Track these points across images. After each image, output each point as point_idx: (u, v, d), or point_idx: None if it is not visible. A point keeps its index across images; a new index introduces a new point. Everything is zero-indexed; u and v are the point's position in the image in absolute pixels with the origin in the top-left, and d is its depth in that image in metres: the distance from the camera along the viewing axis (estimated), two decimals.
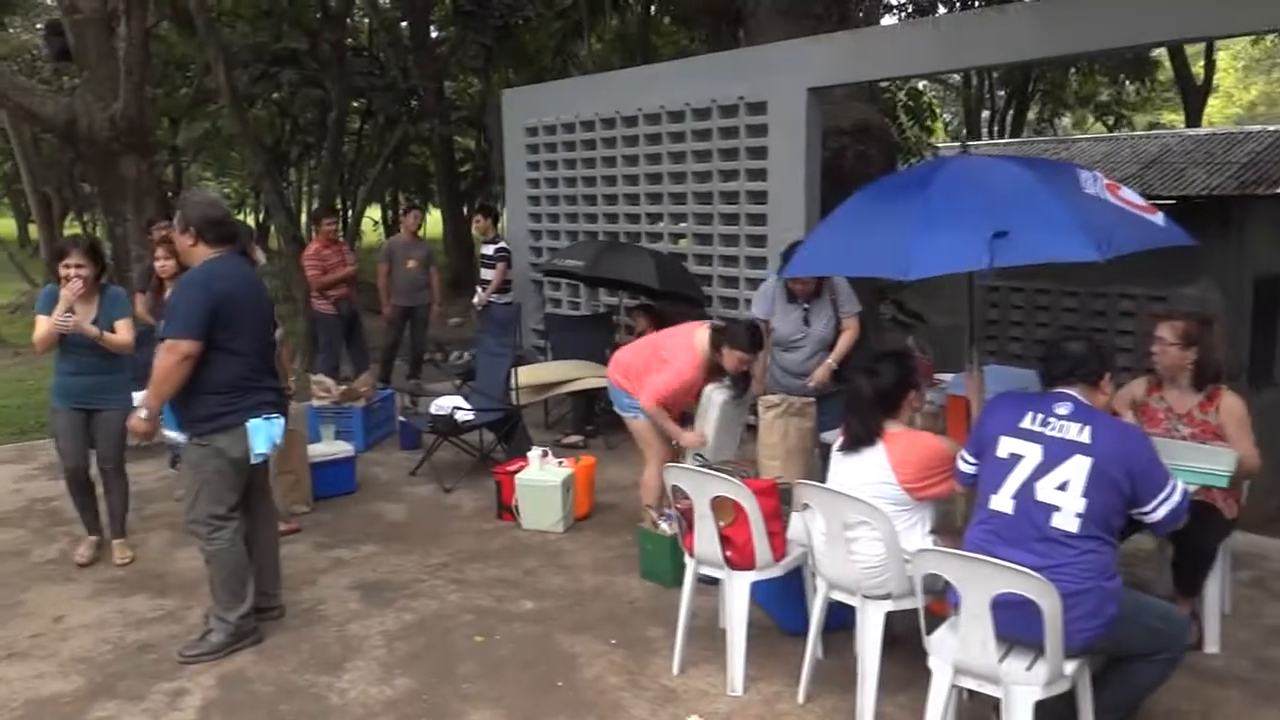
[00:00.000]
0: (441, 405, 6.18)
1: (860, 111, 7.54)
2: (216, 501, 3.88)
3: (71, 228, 20.02)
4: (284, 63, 12.78)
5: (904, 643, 3.44)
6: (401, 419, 6.99)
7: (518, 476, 5.31)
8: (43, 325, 4.63)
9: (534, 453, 5.43)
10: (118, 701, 3.62)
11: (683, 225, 7.21)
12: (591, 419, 7.03)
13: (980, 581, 2.63)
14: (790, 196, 6.29)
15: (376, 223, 23.52)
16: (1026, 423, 2.85)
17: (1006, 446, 2.85)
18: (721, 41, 11.01)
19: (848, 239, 3.31)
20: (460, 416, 6.08)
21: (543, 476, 5.28)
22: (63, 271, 4.67)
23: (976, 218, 2.91)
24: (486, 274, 8.24)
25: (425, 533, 5.33)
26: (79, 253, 4.68)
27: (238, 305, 3.81)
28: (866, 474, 3.23)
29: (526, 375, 6.62)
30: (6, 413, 8.69)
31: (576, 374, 6.86)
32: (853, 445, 3.30)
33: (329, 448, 5.96)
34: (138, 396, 4.40)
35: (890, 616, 3.20)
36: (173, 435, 3.90)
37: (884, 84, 10.76)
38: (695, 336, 4.60)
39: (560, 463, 5.43)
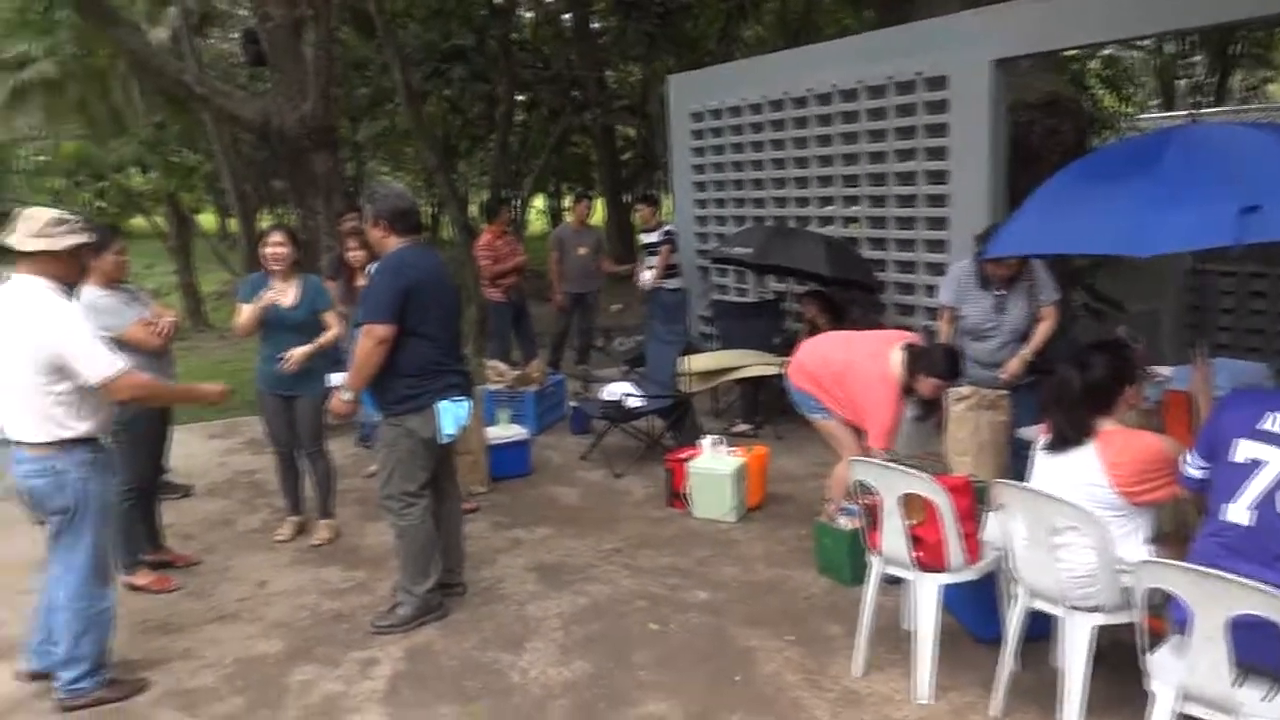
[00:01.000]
0: (612, 391, 6.18)
1: (1048, 83, 7.06)
2: (408, 479, 3.98)
3: (266, 221, 21.15)
4: (454, 60, 13.08)
5: (1110, 659, 3.16)
6: (572, 404, 7.03)
7: (690, 464, 5.23)
8: (245, 312, 4.85)
9: (706, 440, 5.34)
10: (315, 665, 3.76)
11: (855, 209, 6.94)
12: (759, 408, 6.89)
13: (1217, 600, 2.34)
14: (972, 176, 5.94)
15: (540, 212, 23.95)
16: (1267, 424, 2.54)
17: (1244, 450, 2.54)
18: (891, 17, 10.58)
19: (1063, 216, 3.03)
20: (631, 403, 6.05)
21: (715, 465, 5.18)
22: (262, 250, 4.93)
23: (1220, 189, 2.59)
24: (650, 261, 8.19)
25: (597, 517, 5.33)
26: (281, 232, 5.02)
27: (427, 291, 3.91)
28: (1075, 475, 2.96)
29: (695, 363, 6.53)
30: None
31: (744, 362, 6.73)
32: (1060, 444, 3.02)
33: (504, 431, 6.05)
34: (336, 378, 4.56)
35: (1098, 631, 2.93)
36: (372, 416, 4.07)
37: (1073, 53, 10.05)
38: (889, 361, 4.16)
39: (732, 451, 5.31)
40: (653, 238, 8.16)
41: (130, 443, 4.41)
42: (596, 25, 16.27)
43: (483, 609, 4.21)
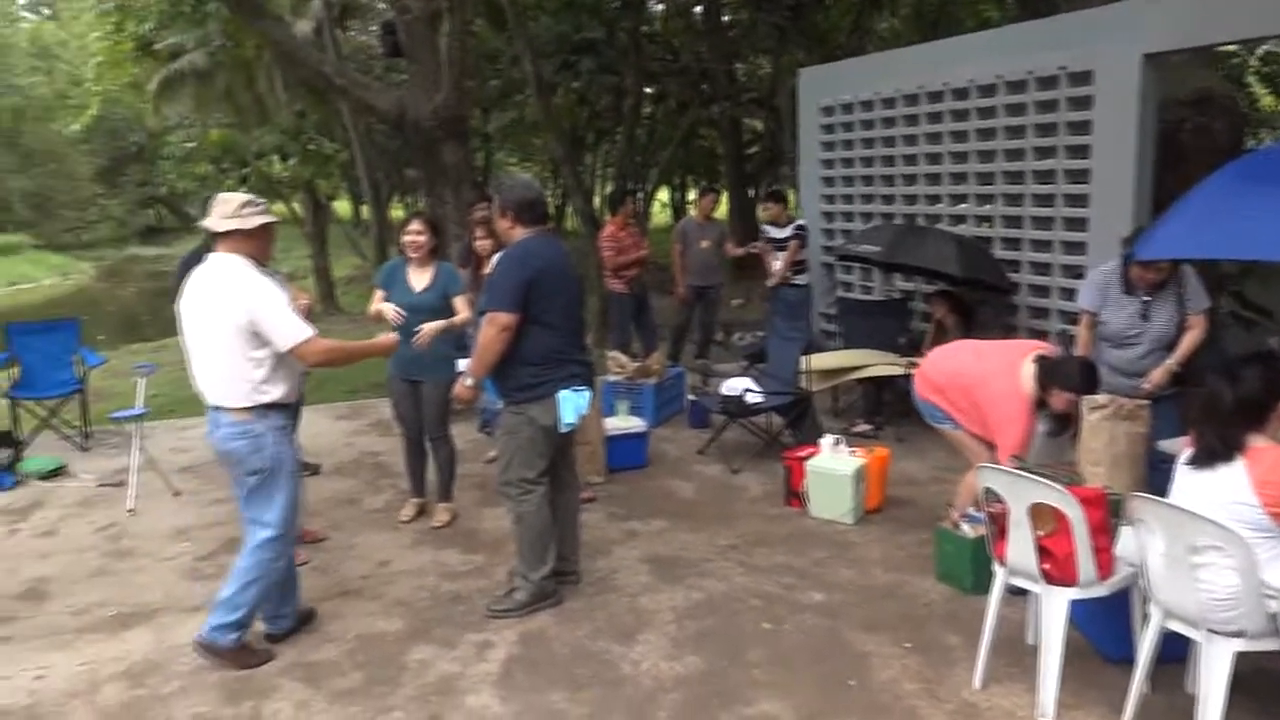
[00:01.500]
0: (732, 386, 6.17)
1: (1201, 79, 6.71)
2: (527, 466, 4.07)
3: (397, 209, 21.88)
4: (583, 52, 13.25)
5: (1252, 688, 3.00)
6: (691, 398, 7.05)
7: (808, 463, 5.19)
8: (379, 302, 5.03)
9: (826, 440, 5.28)
10: (433, 646, 3.88)
11: (989, 208, 6.74)
12: (880, 409, 6.78)
13: None
14: (1117, 175, 5.70)
15: (664, 205, 24.04)
16: None
17: None
18: (1033, 10, 10.23)
19: (1221, 219, 2.88)
20: (750, 399, 6.04)
21: (834, 464, 5.13)
22: (403, 238, 5.11)
23: None
24: (779, 257, 8.13)
25: (713, 512, 5.34)
26: (420, 221, 5.15)
27: (551, 281, 3.97)
28: (1221, 493, 2.81)
29: (817, 361, 6.47)
30: (340, 373, 9.62)
31: (868, 361, 6.63)
32: (1205, 459, 2.88)
33: (623, 422, 6.12)
34: (464, 364, 4.70)
35: (1239, 657, 2.79)
36: (494, 403, 4.19)
37: (1230, 48, 9.53)
38: (1021, 375, 4.01)
39: (853, 452, 5.25)
40: (783, 233, 8.10)
41: None
42: (727, 18, 16.23)
43: (596, 598, 4.27)
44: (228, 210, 3.64)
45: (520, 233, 4.06)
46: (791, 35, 13.82)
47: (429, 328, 4.86)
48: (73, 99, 37.16)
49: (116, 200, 46.29)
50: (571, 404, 4.02)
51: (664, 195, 23.99)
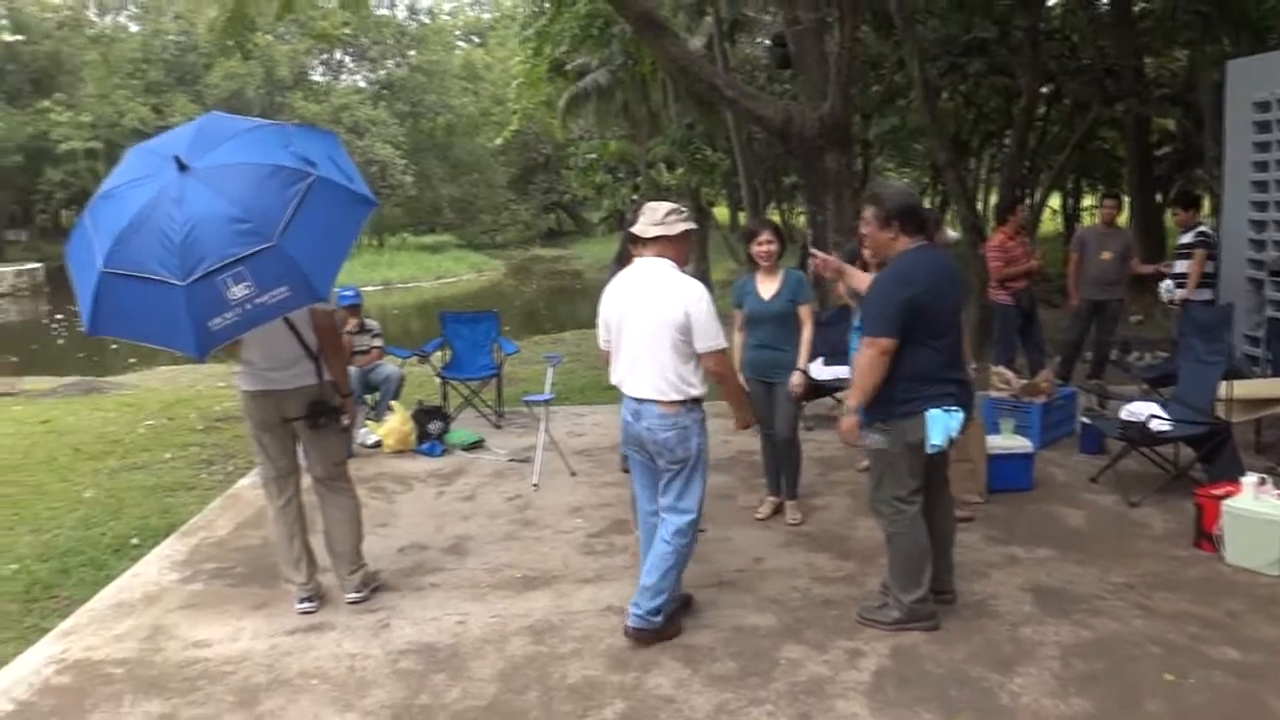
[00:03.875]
0: (1134, 411, 5.64)
1: None
2: (898, 485, 3.95)
3: (772, 215, 22.37)
4: (972, 53, 12.74)
5: None
6: (1084, 420, 6.51)
7: (1226, 503, 4.61)
8: (739, 340, 5.27)
9: (1249, 478, 4.66)
10: (804, 647, 3.91)
11: None
12: None
13: None
14: None
15: (1055, 212, 22.43)
16: None
17: None
18: None
19: None
20: (1156, 426, 5.47)
21: (1260, 507, 4.51)
22: (754, 248, 5.28)
23: None
24: (1180, 266, 7.31)
25: (1106, 546, 4.90)
26: (769, 230, 5.31)
27: (932, 299, 3.81)
28: None
29: (1241, 388, 5.72)
30: None
31: None
32: None
33: (1007, 441, 5.79)
34: (816, 367, 4.74)
35: None
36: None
37: None
38: None
39: None
40: (1185, 238, 7.27)
41: None
42: (1138, 8, 14.85)
43: (973, 622, 4.09)
44: (655, 217, 3.92)
45: (903, 244, 3.91)
46: (1217, 24, 12.35)
47: (796, 382, 5.14)
48: (494, 116, 41.76)
49: (525, 205, 51.46)
50: (941, 424, 3.81)
51: (1055, 202, 22.35)
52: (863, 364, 3.86)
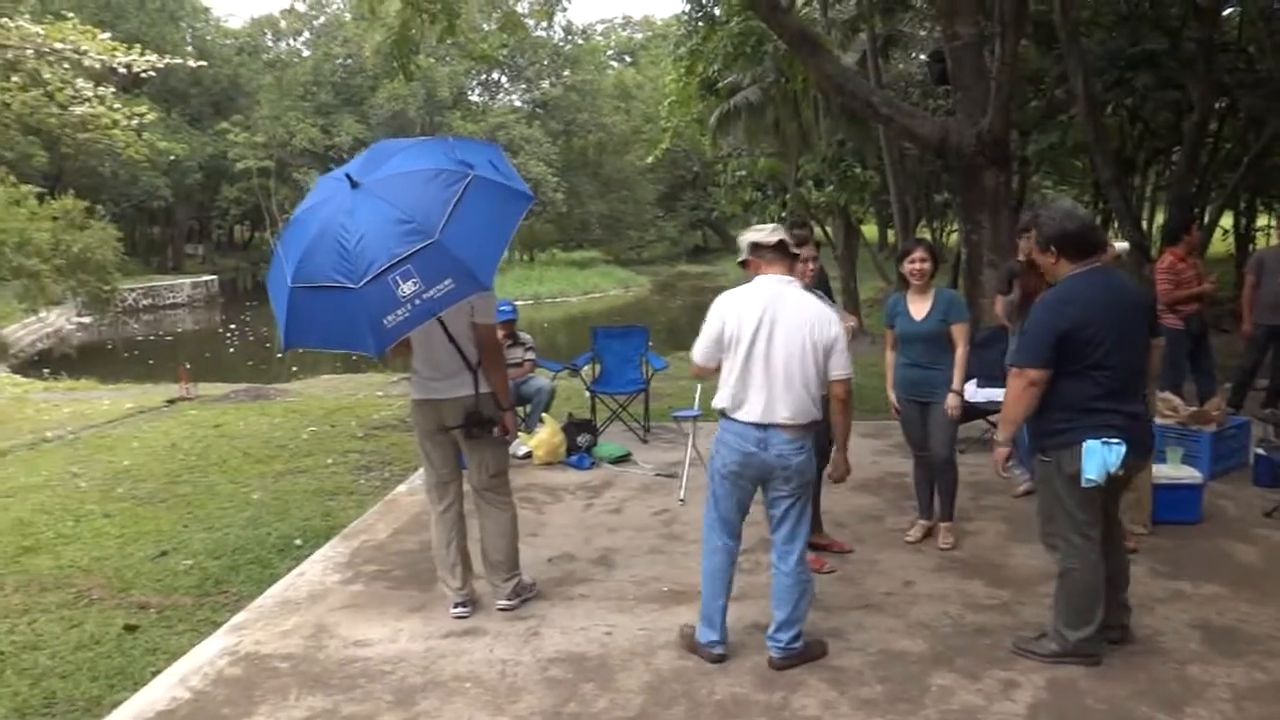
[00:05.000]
0: None
1: None
2: (1068, 517, 3.82)
3: (922, 233, 21.88)
4: (1140, 66, 12.20)
5: None
6: (1259, 451, 6.15)
7: None
8: (891, 355, 5.33)
9: None
10: (955, 674, 3.85)
11: None
12: None
13: None
14: None
15: (1226, 232, 21.10)
16: None
17: None
18: None
19: None
20: None
21: None
22: (907, 266, 5.22)
23: None
24: None
25: None
26: (923, 249, 5.24)
27: (1092, 326, 3.65)
28: None
29: None
30: (865, 392, 9.82)
31: None
32: None
33: (1174, 471, 5.53)
34: (970, 389, 4.65)
35: None
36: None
37: None
38: None
39: None
40: None
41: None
42: None
43: (1135, 659, 3.92)
44: (782, 234, 3.95)
45: (1065, 269, 3.78)
46: None
47: (953, 404, 5.08)
48: (645, 134, 42.36)
49: (672, 222, 51.97)
50: (1098, 456, 3.63)
51: (1226, 221, 21.05)
52: (1012, 395, 3.79)
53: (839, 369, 3.83)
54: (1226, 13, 14.62)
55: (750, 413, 3.83)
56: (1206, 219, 14.88)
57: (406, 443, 7.98)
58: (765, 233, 3.97)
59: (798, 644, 3.94)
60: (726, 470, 3.93)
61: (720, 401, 3.93)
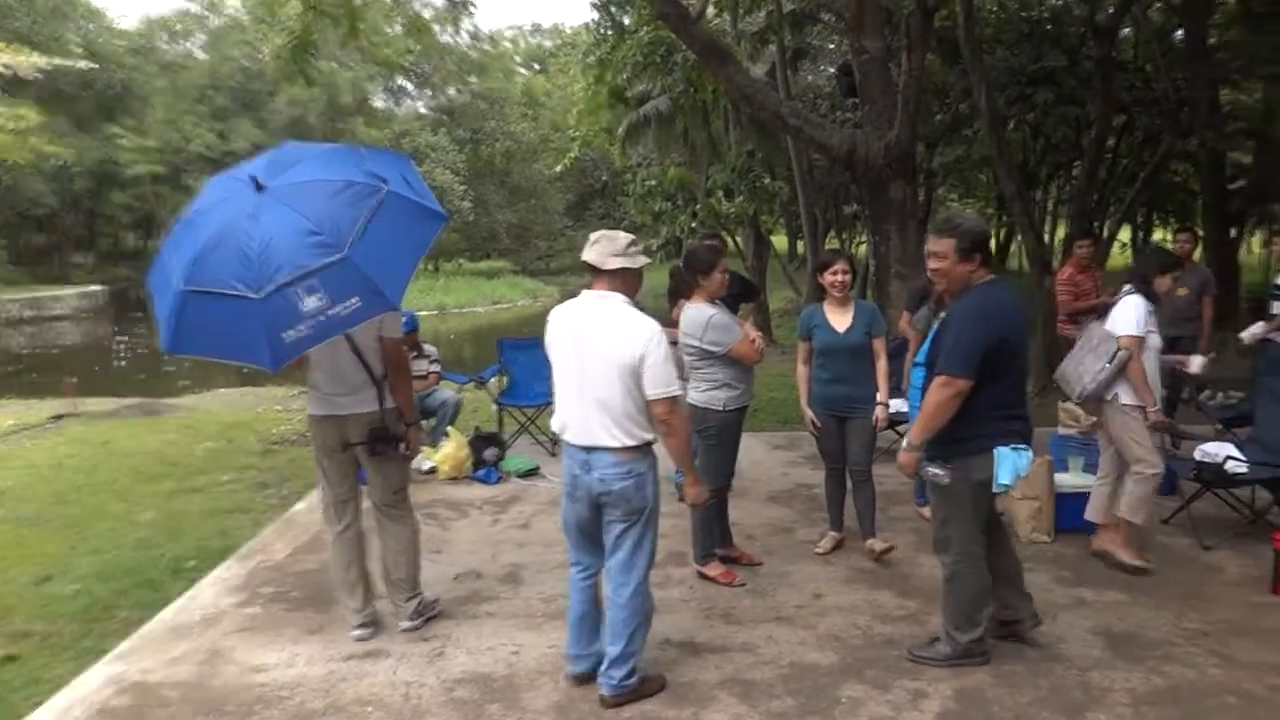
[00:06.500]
0: (1210, 452, 5.53)
1: None
2: (964, 523, 3.92)
3: (831, 244, 22.29)
4: (1040, 83, 12.65)
5: None
6: None
7: None
8: (804, 377, 5.35)
9: None
10: (865, 686, 3.89)
11: None
12: None
13: None
14: None
15: (1124, 245, 22.05)
16: None
17: None
18: None
19: None
20: (1232, 467, 5.36)
21: None
22: (828, 278, 5.24)
23: None
24: (1277, 307, 7.15)
25: (1179, 591, 4.81)
26: (844, 260, 5.26)
27: (1011, 337, 3.78)
28: None
29: None
30: (774, 404, 9.97)
31: None
32: None
33: (1075, 479, 5.71)
34: (896, 404, 4.71)
35: None
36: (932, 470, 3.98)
37: None
38: None
39: None
40: None
41: (723, 446, 4.97)
42: (1213, 40, 14.63)
43: (1040, 665, 4.03)
44: (616, 247, 3.72)
45: (979, 277, 3.85)
46: None
47: (881, 416, 5.21)
48: (554, 142, 42.26)
49: (581, 232, 51.75)
50: (1010, 463, 3.76)
51: (1125, 235, 22.00)
52: (935, 403, 3.77)
53: (652, 388, 3.58)
54: (1124, 33, 15.30)
55: (574, 434, 3.74)
56: (1105, 232, 15.49)
57: (307, 458, 7.76)
58: (590, 246, 3.78)
59: (631, 680, 3.79)
60: (564, 490, 3.87)
61: (553, 422, 3.89)
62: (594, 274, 3.76)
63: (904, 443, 4.08)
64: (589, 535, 3.88)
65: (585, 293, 3.79)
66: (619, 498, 3.68)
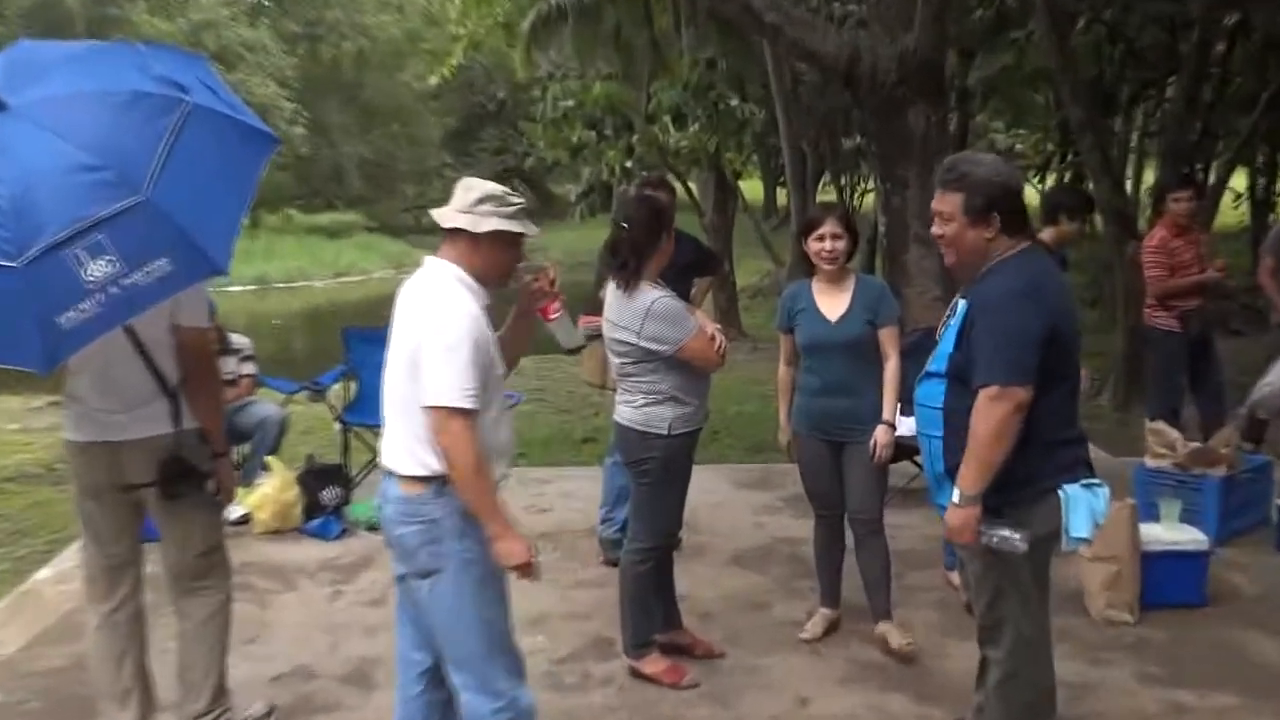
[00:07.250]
0: None
1: None
2: (1022, 599, 3.87)
3: (825, 193, 22.43)
4: None
5: None
6: None
7: None
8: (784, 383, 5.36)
9: None
10: None
11: None
12: None
13: None
14: None
15: (1239, 197, 22.47)
16: None
17: None
18: None
19: None
20: None
21: None
22: (813, 245, 5.17)
23: None
24: None
25: None
26: (834, 220, 5.14)
27: (1062, 325, 3.75)
28: None
29: None
30: (741, 422, 10.00)
31: None
32: None
33: (1170, 532, 5.78)
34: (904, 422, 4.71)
35: None
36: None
37: None
38: None
39: None
40: None
41: (667, 485, 4.90)
42: None
43: None
44: (465, 201, 3.70)
45: (1003, 247, 3.78)
46: None
47: (884, 441, 5.06)
48: (426, 43, 41.95)
49: (467, 172, 51.40)
50: (1085, 506, 3.71)
51: (1241, 182, 22.45)
52: (989, 429, 3.61)
53: (425, 393, 3.49)
54: None
55: (384, 453, 3.78)
56: (1212, 179, 15.80)
57: (56, 503, 7.62)
58: (452, 199, 3.76)
59: None
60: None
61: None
62: (445, 235, 3.75)
63: (954, 495, 3.80)
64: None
65: (426, 259, 3.81)
66: (400, 549, 3.65)
